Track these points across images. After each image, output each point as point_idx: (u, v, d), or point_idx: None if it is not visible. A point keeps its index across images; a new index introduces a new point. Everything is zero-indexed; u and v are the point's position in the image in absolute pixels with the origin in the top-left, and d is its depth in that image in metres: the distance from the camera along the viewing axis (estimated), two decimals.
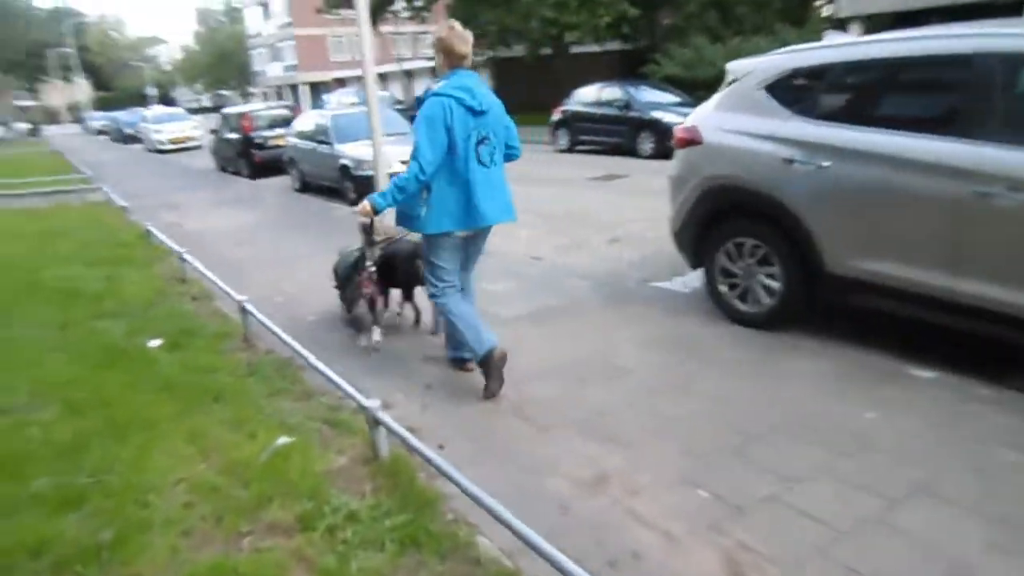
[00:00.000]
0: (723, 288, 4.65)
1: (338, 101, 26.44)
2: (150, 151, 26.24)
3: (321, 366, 3.56)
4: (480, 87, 3.66)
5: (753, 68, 4.47)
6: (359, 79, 39.38)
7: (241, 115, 15.91)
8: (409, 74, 37.55)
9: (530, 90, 22.93)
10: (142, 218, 10.22)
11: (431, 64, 27.75)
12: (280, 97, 55.91)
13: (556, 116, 16.49)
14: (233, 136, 16.06)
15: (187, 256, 6.31)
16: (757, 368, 3.93)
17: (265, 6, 54.61)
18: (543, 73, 21.87)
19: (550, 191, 10.86)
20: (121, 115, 35.58)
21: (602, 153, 14.86)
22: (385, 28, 50.84)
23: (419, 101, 3.76)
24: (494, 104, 3.71)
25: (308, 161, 12.48)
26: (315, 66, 49.67)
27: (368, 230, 4.17)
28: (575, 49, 22.67)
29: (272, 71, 55.85)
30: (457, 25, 3.70)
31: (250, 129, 15.46)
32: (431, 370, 4.22)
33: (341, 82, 45.14)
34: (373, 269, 4.32)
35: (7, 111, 52.12)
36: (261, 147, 15.30)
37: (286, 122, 15.05)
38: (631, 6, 19.04)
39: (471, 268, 4.09)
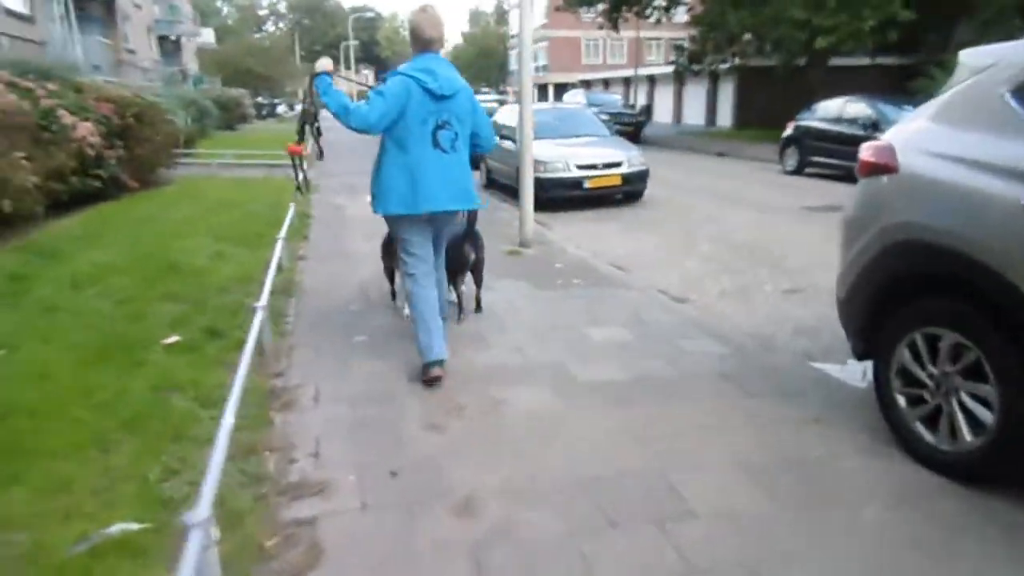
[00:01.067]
0: (901, 400, 2.97)
1: (568, 100, 25.95)
2: None
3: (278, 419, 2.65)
4: (446, 71, 3.55)
5: (997, 59, 2.74)
6: (606, 82, 38.95)
7: None
8: (653, 80, 36.13)
9: (776, 104, 20.43)
10: (321, 198, 10.29)
11: (670, 68, 26.54)
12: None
13: (787, 132, 14.27)
14: None
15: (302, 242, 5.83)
16: (936, 562, 2.26)
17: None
18: (794, 86, 19.23)
19: (746, 217, 9.11)
20: None
21: (835, 178, 12.47)
22: (643, 33, 50.37)
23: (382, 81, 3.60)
24: (461, 90, 3.60)
25: (494, 156, 11.88)
26: (565, 67, 50.23)
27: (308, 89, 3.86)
28: (835, 61, 19.69)
29: None
30: (431, 8, 3.63)
31: None
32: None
33: (586, 84, 45.02)
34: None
35: (288, 96, 59.53)
36: None
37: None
38: (903, 8, 15.84)
39: (440, 252, 4.08)
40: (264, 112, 44.21)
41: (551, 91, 51.88)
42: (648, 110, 28.36)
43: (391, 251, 4.65)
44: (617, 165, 9.97)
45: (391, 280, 5.03)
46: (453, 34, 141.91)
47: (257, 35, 68.84)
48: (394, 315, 4.83)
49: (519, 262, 6.51)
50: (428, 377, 3.61)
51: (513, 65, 62.59)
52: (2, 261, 5.73)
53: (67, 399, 3.24)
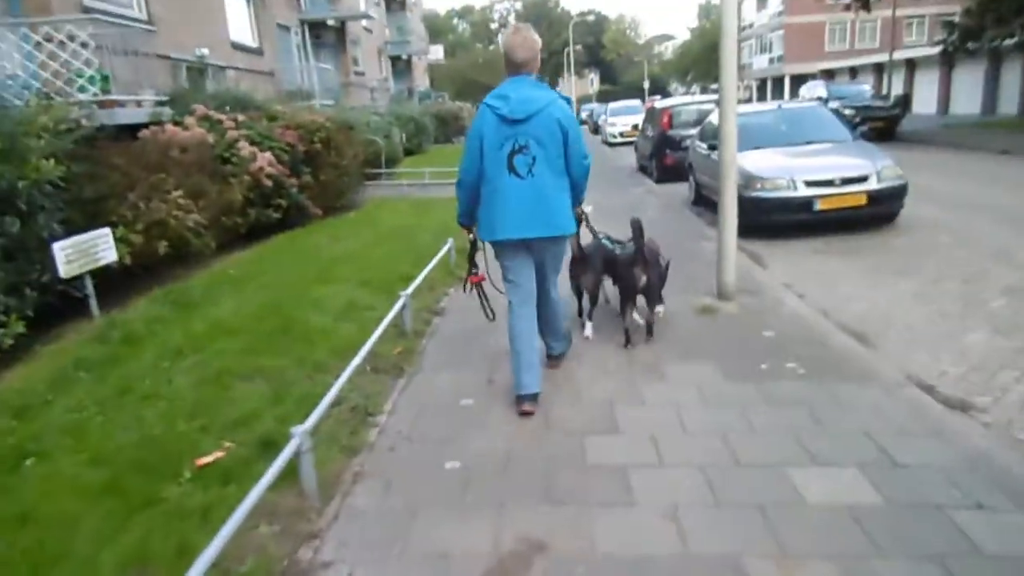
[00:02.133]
0: None
1: (805, 94, 22.73)
2: (603, 143, 26.71)
3: None
4: (523, 92, 3.40)
5: None
6: (852, 71, 34.26)
7: (663, 110, 14.17)
8: (912, 64, 30.95)
9: None
10: None
11: (935, 49, 22.02)
12: (760, 92, 52.99)
13: None
14: (651, 133, 14.51)
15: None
16: None
17: None
18: None
19: None
20: (596, 106, 37.59)
21: None
22: (901, 11, 43.92)
23: None
24: (542, 111, 3.37)
25: (701, 169, 10.07)
26: (803, 57, 45.33)
27: (471, 248, 3.96)
28: None
29: (758, 63, 53.23)
30: (525, 29, 3.52)
31: (668, 126, 13.64)
32: None
33: (829, 74, 40.09)
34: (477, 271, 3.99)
35: None
36: (676, 146, 13.38)
37: None
38: None
39: (548, 277, 3.81)
40: None
41: (787, 84, 47.23)
42: (906, 100, 23.91)
43: (581, 269, 4.71)
44: (861, 180, 7.61)
45: (579, 297, 4.92)
46: (680, 29, 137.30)
47: (489, 47, 71.44)
48: (505, 427, 3.52)
49: (710, 327, 4.84)
50: (519, 410, 3.59)
51: (745, 58, 58.49)
52: (130, 317, 5.35)
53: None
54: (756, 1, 53.02)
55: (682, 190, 11.68)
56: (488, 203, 3.52)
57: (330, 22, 22.31)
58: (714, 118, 10.50)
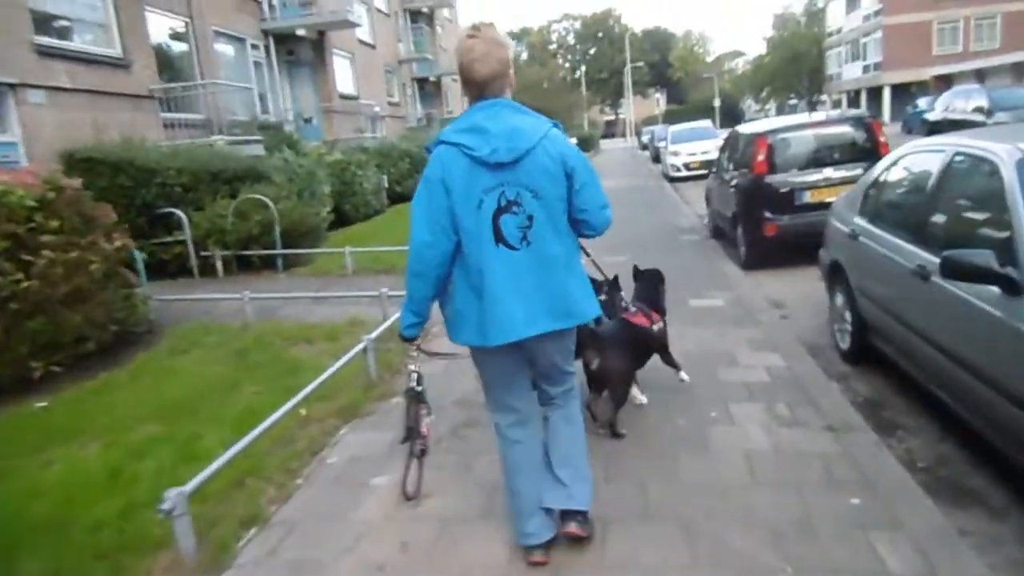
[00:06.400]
0: None
1: (953, 105, 16.10)
2: (664, 176, 20.66)
3: None
4: (506, 121, 2.31)
5: None
6: (979, 74, 27.03)
7: (756, 137, 8.07)
8: None
9: None
10: None
11: None
12: (854, 104, 45.64)
13: None
14: (732, 176, 8.48)
15: None
16: None
17: None
18: None
19: None
20: (658, 129, 31.52)
21: None
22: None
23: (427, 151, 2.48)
24: (534, 148, 2.30)
25: (871, 277, 4.07)
26: (906, 62, 38.07)
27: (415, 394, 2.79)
28: None
29: (849, 72, 45.99)
30: (488, 29, 2.35)
31: (767, 167, 7.60)
32: None
33: (945, 80, 32.85)
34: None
35: (569, 128, 54.87)
36: (785, 204, 7.38)
37: (859, 153, 7.03)
38: None
39: (554, 384, 2.64)
40: None
41: (886, 96, 39.98)
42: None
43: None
44: None
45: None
46: (751, 46, 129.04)
47: (538, 69, 66.15)
48: None
49: None
50: (528, 560, 2.59)
51: (831, 68, 51.25)
52: None
53: None
54: (845, 2, 45.83)
55: (807, 287, 5.71)
56: (465, 292, 2.42)
57: (300, 32, 17.21)
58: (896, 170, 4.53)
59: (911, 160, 4.23)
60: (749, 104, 74.47)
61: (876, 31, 40.90)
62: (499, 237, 2.32)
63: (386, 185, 15.70)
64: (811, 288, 6.17)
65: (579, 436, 2.68)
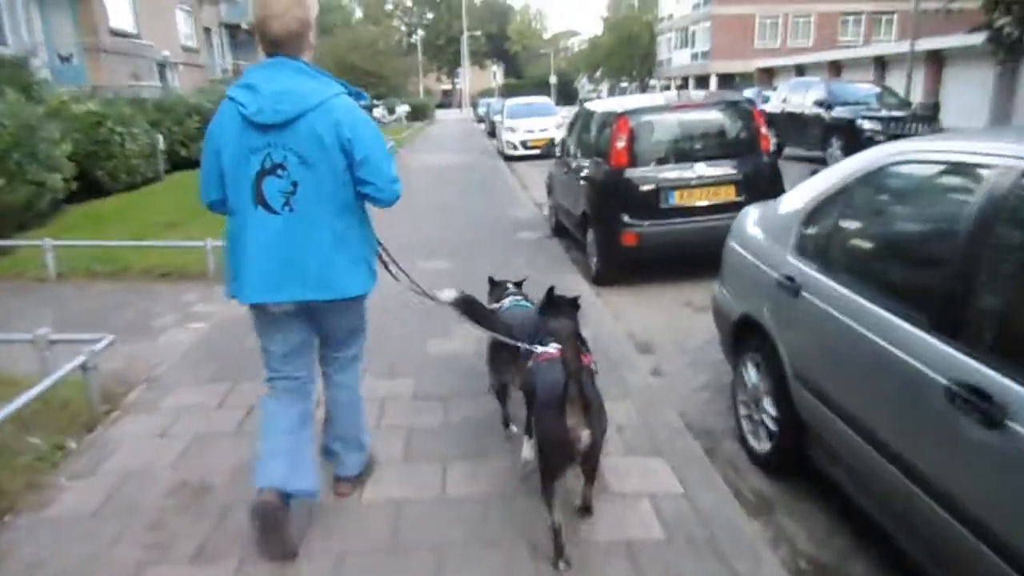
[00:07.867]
0: None
1: (790, 98, 15.70)
2: (500, 154, 19.02)
3: None
4: (280, 82, 2.21)
5: None
6: (799, 69, 27.82)
7: (614, 119, 6.40)
8: (938, 58, 24.79)
9: None
10: None
11: (977, 38, 13.44)
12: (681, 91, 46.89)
13: None
14: (586, 169, 6.80)
15: None
16: None
17: None
18: None
19: None
20: (494, 102, 29.92)
21: None
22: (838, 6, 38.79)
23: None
24: (307, 113, 2.20)
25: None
26: (732, 53, 39.38)
27: None
28: None
29: (678, 59, 47.09)
30: None
31: (628, 158, 5.99)
32: None
33: (768, 73, 34.12)
34: None
35: (403, 94, 52.15)
36: (648, 206, 5.85)
37: (736, 146, 5.82)
38: None
39: (335, 359, 2.62)
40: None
41: (713, 84, 41.19)
42: (935, 108, 17.21)
43: (500, 358, 3.10)
44: None
45: (502, 401, 3.32)
46: (585, 26, 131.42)
47: (371, 28, 62.04)
48: None
49: None
50: (255, 502, 2.36)
51: (661, 54, 52.40)
52: None
53: None
54: None
55: (683, 326, 4.17)
56: (234, 246, 2.38)
57: None
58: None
59: (911, 177, 2.56)
60: (584, 83, 75.32)
61: (705, 20, 41.93)
62: (260, 199, 2.27)
63: (163, 147, 12.66)
64: (680, 317, 4.73)
65: (356, 403, 2.70)
